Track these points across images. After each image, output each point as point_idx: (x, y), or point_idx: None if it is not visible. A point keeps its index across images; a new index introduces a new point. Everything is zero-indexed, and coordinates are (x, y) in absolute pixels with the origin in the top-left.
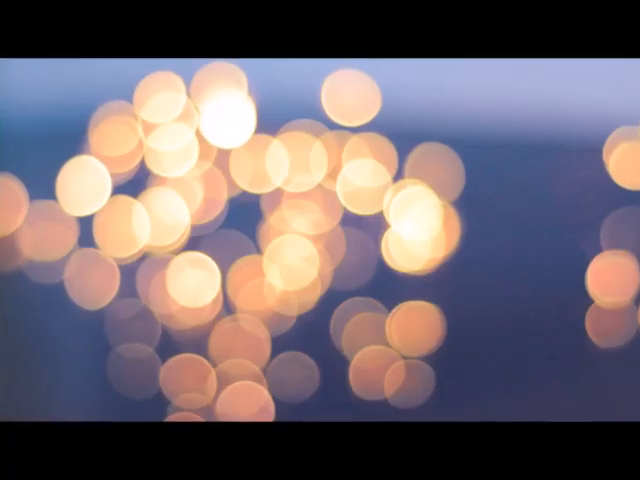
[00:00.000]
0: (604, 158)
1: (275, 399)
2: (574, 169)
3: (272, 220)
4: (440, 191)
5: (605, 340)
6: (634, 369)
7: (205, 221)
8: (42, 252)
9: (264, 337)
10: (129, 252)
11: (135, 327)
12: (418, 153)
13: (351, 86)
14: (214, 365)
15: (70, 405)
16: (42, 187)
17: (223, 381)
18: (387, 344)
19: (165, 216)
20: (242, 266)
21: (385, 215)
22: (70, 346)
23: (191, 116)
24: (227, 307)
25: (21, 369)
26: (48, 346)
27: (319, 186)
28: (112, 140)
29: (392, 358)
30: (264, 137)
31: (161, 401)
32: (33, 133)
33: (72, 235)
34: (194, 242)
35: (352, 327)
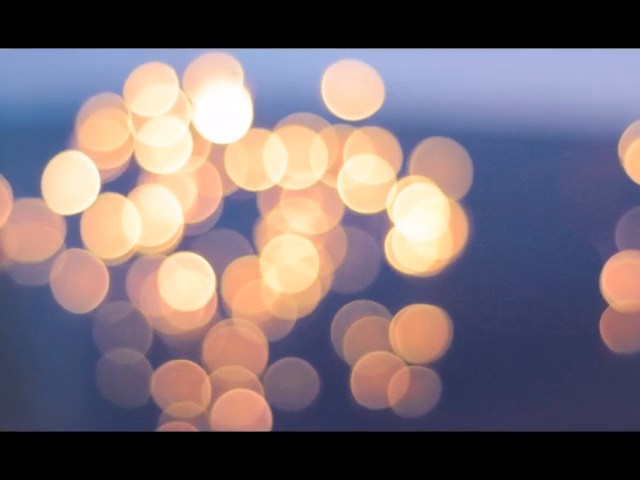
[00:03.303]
0: (619, 153)
1: (273, 408)
2: (588, 165)
3: (270, 219)
4: (446, 188)
5: (620, 345)
6: None
7: (199, 220)
8: (27, 253)
9: (261, 342)
10: (119, 253)
11: (125, 332)
12: (423, 148)
13: (353, 78)
14: (208, 372)
15: (56, 414)
16: (27, 184)
17: (218, 388)
18: (391, 350)
19: (157, 215)
20: (238, 267)
21: (388, 214)
22: (57, 351)
23: (184, 109)
24: (222, 311)
25: (4, 376)
26: (33, 351)
27: (319, 183)
28: (101, 135)
29: (396, 364)
30: (261, 131)
31: (152, 410)
32: (17, 127)
33: (59, 235)
34: (187, 242)
35: (354, 332)
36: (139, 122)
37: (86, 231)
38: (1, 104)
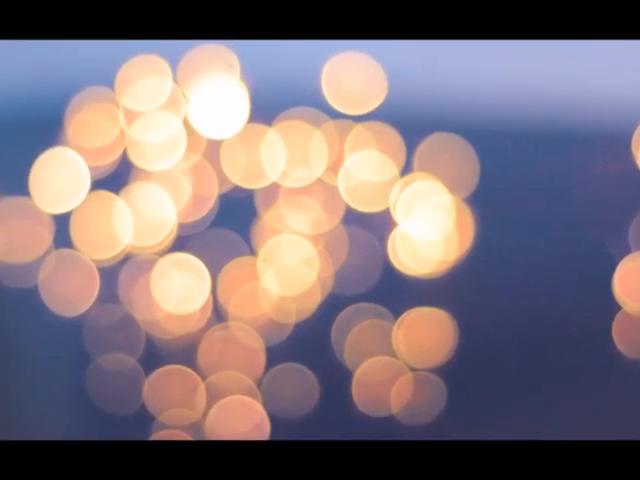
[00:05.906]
0: (633, 149)
1: (270, 415)
2: (600, 162)
3: (267, 218)
4: (452, 186)
5: (634, 349)
6: None
7: (194, 219)
8: (14, 253)
9: (258, 347)
10: (110, 253)
11: (117, 336)
12: (428, 144)
13: (354, 71)
14: (203, 378)
15: (44, 422)
16: (14, 182)
17: (213, 395)
18: (394, 354)
19: (150, 214)
20: (234, 269)
21: (391, 213)
22: (45, 356)
23: (178, 104)
24: (218, 314)
25: None
26: (20, 356)
27: (319, 181)
28: (91, 130)
29: (399, 370)
30: (259, 127)
31: (145, 417)
32: (4, 122)
33: (47, 235)
34: (181, 242)
35: (355, 336)
36: (131, 117)
37: (76, 231)
38: None
